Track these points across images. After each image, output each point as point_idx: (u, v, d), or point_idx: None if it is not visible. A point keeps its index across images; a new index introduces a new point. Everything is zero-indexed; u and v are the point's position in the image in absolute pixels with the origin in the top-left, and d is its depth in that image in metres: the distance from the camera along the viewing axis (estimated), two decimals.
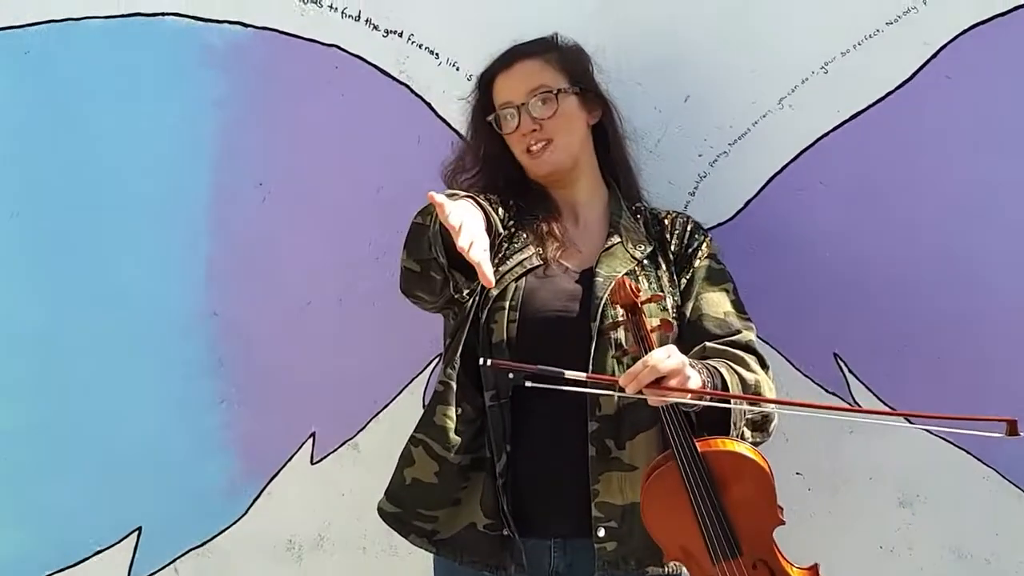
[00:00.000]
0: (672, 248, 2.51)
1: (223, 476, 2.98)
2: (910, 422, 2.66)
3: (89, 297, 2.97)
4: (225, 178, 2.95)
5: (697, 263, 2.47)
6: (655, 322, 2.32)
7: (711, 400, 2.22)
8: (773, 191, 2.85)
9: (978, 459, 2.85)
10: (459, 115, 2.72)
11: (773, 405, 2.32)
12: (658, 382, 2.12)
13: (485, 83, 2.52)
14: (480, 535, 2.37)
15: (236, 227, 2.96)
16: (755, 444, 2.36)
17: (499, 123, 2.51)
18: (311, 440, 3.01)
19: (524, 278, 2.39)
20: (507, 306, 2.38)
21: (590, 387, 2.26)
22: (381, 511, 2.48)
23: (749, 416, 2.29)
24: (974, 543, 2.87)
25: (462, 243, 2.05)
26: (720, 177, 2.87)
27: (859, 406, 2.81)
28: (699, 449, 2.24)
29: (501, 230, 2.36)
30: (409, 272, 2.34)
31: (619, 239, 2.45)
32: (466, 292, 2.37)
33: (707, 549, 2.24)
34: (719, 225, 2.88)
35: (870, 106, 2.83)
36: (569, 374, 2.14)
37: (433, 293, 2.36)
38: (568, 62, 2.52)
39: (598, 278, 2.39)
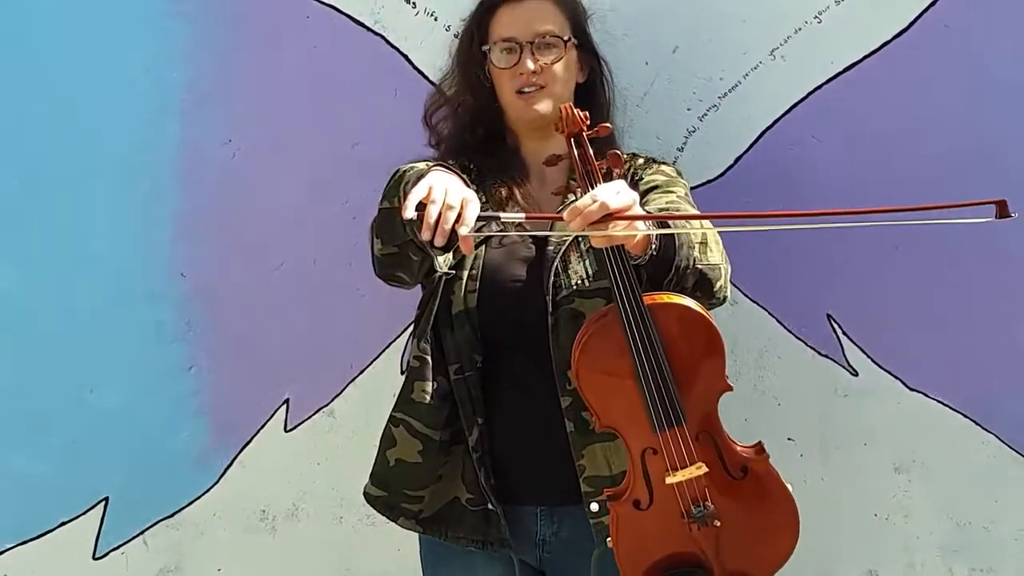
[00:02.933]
0: None
1: (193, 445, 2.97)
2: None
3: (54, 258, 2.96)
4: (192, 133, 2.93)
5: (640, 188, 2.38)
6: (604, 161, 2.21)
7: (663, 226, 2.14)
8: (765, 146, 2.82)
9: (977, 424, 2.83)
10: (437, 68, 2.68)
11: (719, 256, 2.24)
12: (605, 221, 2.01)
13: (485, 10, 2.47)
14: (463, 509, 2.36)
15: (204, 185, 2.94)
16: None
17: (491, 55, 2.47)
18: (285, 407, 2.99)
19: (484, 245, 2.36)
20: (465, 276, 2.35)
21: (529, 227, 2.26)
22: (368, 496, 2.46)
23: (697, 266, 2.21)
24: (972, 510, 2.85)
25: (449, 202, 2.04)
26: (710, 131, 2.84)
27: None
28: (645, 302, 2.15)
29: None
30: (386, 257, 2.32)
31: (565, 184, 2.38)
32: (446, 268, 2.36)
33: (648, 415, 2.15)
34: (709, 182, 2.85)
35: (865, 57, 2.80)
36: (505, 216, 2.11)
37: (413, 273, 2.34)
38: (574, 13, 2.50)
39: (549, 246, 2.35)
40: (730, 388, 2.21)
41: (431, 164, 2.24)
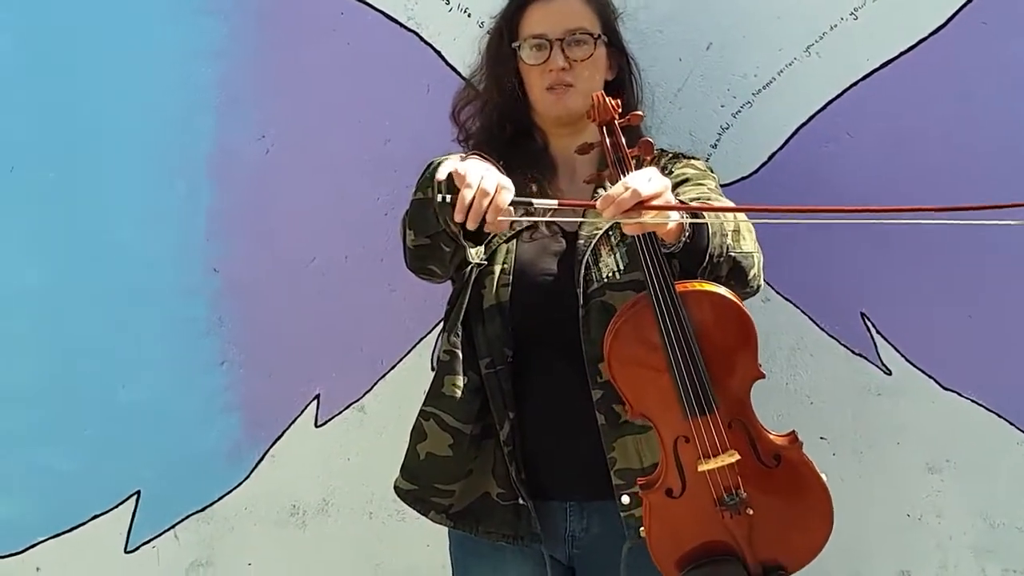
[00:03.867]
0: None
1: (224, 439, 2.95)
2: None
3: (87, 253, 2.94)
4: (226, 130, 2.91)
5: (671, 181, 2.31)
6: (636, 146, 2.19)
7: (695, 217, 2.13)
8: (799, 143, 2.80)
9: (1011, 423, 2.80)
10: (470, 64, 2.66)
11: (752, 244, 2.22)
12: (637, 209, 2.01)
13: (516, 7, 2.46)
14: (494, 504, 2.34)
15: (238, 181, 2.92)
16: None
17: (521, 53, 2.45)
18: (315, 402, 2.97)
19: (515, 240, 2.34)
20: (498, 270, 2.34)
21: (561, 213, 2.24)
22: (398, 489, 2.45)
23: (730, 253, 2.20)
24: (1006, 511, 2.82)
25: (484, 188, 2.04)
26: (744, 128, 2.82)
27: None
28: (677, 290, 2.13)
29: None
30: (418, 249, 2.30)
31: (596, 172, 2.33)
32: (478, 259, 2.34)
33: (680, 402, 2.14)
34: (742, 179, 2.82)
35: (901, 54, 2.77)
36: (537, 202, 2.07)
37: (444, 265, 2.32)
38: (603, 10, 2.49)
39: (579, 240, 2.34)
40: (763, 375, 2.19)
41: (467, 154, 2.25)
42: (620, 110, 2.19)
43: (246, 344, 2.95)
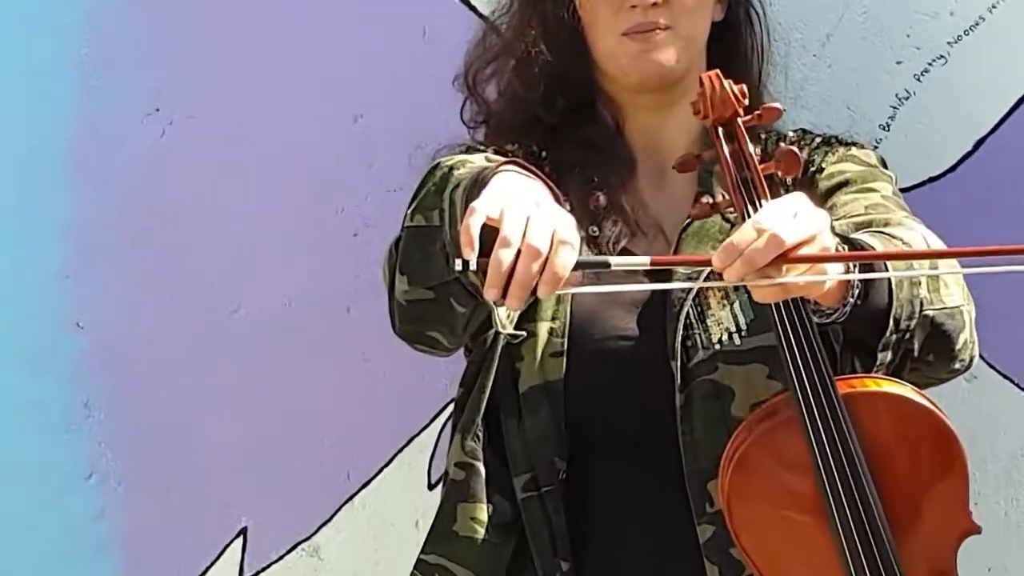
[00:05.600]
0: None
1: None
2: None
3: None
4: (97, 100, 2.48)
5: (821, 186, 2.13)
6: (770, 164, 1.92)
7: (869, 268, 1.83)
8: (1021, 123, 2.36)
9: None
10: None
11: (960, 294, 1.93)
12: (777, 263, 1.72)
13: None
14: None
15: (114, 181, 2.49)
16: (932, 384, 2.02)
17: None
18: (241, 540, 2.51)
19: None
20: (544, 331, 2.05)
21: (656, 278, 2.00)
22: None
23: (926, 312, 1.91)
24: None
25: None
26: (932, 99, 2.36)
27: None
28: (839, 391, 1.89)
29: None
30: (414, 306, 1.99)
31: (710, 200, 2.00)
32: (510, 328, 2.05)
33: (847, 573, 1.87)
34: (931, 180, 2.37)
35: None
36: (618, 262, 1.74)
37: (454, 331, 2.02)
38: None
39: (673, 281, 2.07)
40: (976, 529, 1.92)
41: (495, 162, 1.89)
42: (746, 101, 1.92)
43: (126, 446, 2.53)
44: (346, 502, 2.51)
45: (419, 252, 1.92)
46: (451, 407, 2.19)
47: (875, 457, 1.85)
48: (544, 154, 2.09)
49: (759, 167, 1.86)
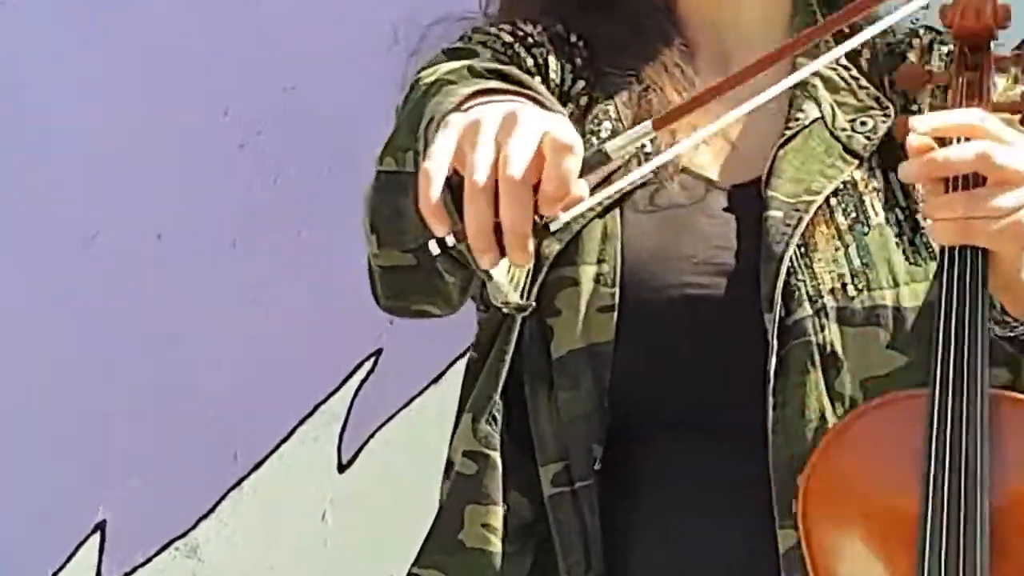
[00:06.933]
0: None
1: None
2: None
3: None
4: None
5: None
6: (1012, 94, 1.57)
7: None
8: None
9: None
10: None
11: None
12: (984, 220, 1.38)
13: None
14: None
15: None
16: None
17: None
18: (98, 536, 2.20)
19: (618, 210, 1.66)
20: (588, 275, 1.65)
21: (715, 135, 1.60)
22: None
23: None
24: None
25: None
26: None
27: None
28: (988, 399, 1.53)
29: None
30: (390, 274, 1.62)
31: (817, 113, 1.64)
32: (517, 299, 1.56)
33: None
34: None
35: None
36: (611, 147, 1.27)
37: (449, 301, 1.64)
38: None
39: (772, 211, 1.63)
40: None
41: (458, 96, 1.44)
42: (1007, 22, 1.57)
43: None
44: (231, 489, 2.19)
45: (388, 206, 1.55)
46: (367, 366, 2.04)
47: (1004, 488, 1.51)
48: (576, 39, 1.69)
49: (994, 96, 1.59)
